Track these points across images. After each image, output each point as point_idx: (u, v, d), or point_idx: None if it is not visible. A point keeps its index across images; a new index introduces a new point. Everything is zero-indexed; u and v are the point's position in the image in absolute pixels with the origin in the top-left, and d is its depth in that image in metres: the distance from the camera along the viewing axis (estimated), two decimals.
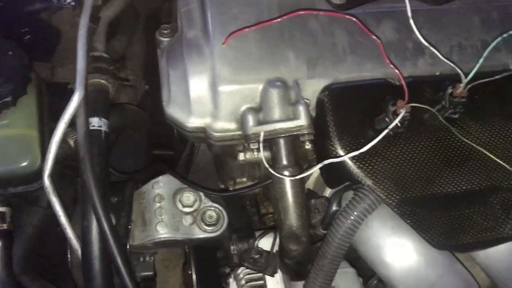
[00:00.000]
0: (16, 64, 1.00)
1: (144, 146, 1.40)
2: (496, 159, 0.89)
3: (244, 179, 1.16)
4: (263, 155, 0.88)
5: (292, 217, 0.89)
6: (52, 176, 0.92)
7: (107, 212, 0.88)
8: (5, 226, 1.05)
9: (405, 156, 0.88)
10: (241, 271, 1.09)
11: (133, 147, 1.39)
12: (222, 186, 1.22)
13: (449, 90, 0.87)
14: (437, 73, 0.94)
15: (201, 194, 1.08)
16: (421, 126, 0.90)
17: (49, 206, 0.95)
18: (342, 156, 0.86)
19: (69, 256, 0.98)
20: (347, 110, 0.90)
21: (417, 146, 0.89)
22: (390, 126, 0.81)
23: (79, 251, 0.93)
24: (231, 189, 1.17)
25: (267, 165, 0.87)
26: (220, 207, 1.07)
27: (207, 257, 1.23)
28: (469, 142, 0.90)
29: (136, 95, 1.39)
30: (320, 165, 0.84)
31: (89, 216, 0.89)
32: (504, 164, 0.89)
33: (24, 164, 1.01)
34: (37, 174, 0.99)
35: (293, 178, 0.87)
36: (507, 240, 0.88)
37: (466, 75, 0.84)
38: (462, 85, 0.85)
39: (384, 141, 0.87)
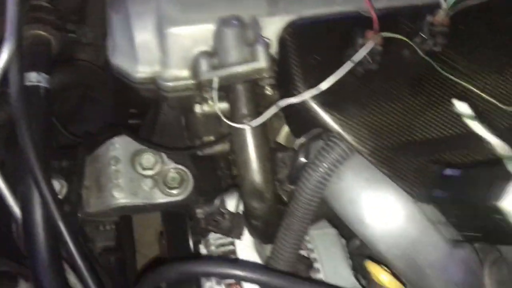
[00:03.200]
0: None
1: (111, 109, 1.29)
2: (487, 97, 0.78)
3: (212, 137, 1.06)
4: (217, 104, 0.78)
5: (254, 172, 0.79)
6: None
7: (47, 176, 0.78)
8: None
9: (379, 97, 0.77)
10: (212, 237, 0.99)
11: (100, 113, 1.29)
12: None
13: (429, 18, 0.75)
14: (417, 4, 0.82)
15: (163, 155, 0.98)
16: (398, 63, 0.79)
17: None
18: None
19: (13, 225, 0.89)
20: (313, 48, 0.79)
21: (393, 85, 0.78)
22: (355, 58, 0.70)
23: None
24: None
25: (220, 115, 0.77)
26: (184, 168, 0.97)
27: (179, 225, 1.13)
28: (454, 78, 0.78)
29: (98, 56, 1.27)
30: (277, 107, 0.74)
31: (27, 180, 0.79)
32: (496, 102, 0.78)
33: None
34: None
35: (251, 125, 0.76)
36: None
37: None
38: (442, 10, 0.74)
39: (355, 81, 0.76)
